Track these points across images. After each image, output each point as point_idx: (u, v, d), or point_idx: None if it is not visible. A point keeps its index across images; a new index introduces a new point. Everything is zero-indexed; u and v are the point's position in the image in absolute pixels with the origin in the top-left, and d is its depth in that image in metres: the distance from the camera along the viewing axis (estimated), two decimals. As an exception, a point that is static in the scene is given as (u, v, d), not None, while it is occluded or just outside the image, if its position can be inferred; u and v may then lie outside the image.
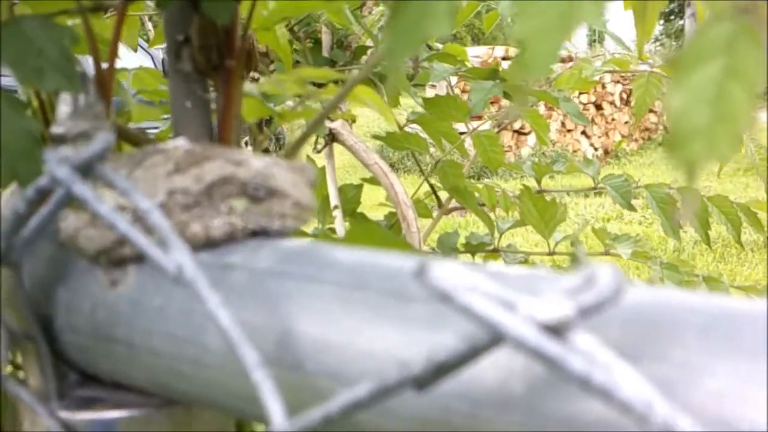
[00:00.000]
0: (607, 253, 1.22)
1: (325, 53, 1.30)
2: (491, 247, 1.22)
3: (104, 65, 0.46)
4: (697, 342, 0.22)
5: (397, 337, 0.27)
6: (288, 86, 0.55)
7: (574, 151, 7.46)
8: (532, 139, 7.06)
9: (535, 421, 0.23)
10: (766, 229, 1.20)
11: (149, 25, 1.81)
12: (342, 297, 0.30)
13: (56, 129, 0.39)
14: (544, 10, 0.22)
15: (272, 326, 0.31)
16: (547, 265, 1.23)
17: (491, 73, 1.11)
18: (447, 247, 1.20)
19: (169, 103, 0.48)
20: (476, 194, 1.18)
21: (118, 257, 0.37)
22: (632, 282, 0.25)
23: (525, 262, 1.21)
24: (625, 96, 7.99)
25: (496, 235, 1.23)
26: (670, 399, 0.19)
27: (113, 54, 0.45)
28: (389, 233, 0.47)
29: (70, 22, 0.47)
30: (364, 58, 1.30)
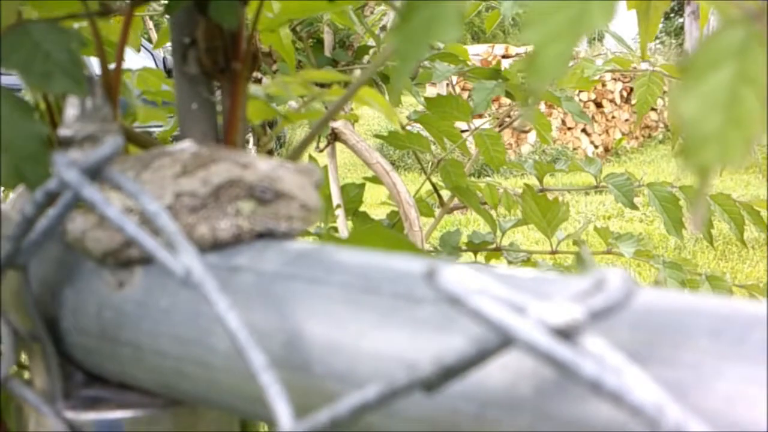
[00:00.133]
0: (608, 252, 1.22)
1: (327, 53, 1.30)
2: (493, 246, 1.22)
3: (111, 67, 0.46)
4: (707, 345, 0.22)
5: (405, 340, 0.27)
6: (293, 88, 0.55)
7: (575, 149, 7.46)
8: (532, 136, 7.05)
9: (542, 423, 0.23)
10: (767, 226, 1.20)
11: (150, 24, 1.81)
12: (349, 299, 0.30)
13: (64, 132, 0.39)
14: (555, 15, 0.22)
15: (279, 328, 0.31)
16: (549, 264, 1.23)
17: (493, 72, 1.11)
18: (449, 245, 1.20)
19: (174, 105, 0.48)
20: (478, 193, 1.19)
21: (125, 259, 0.37)
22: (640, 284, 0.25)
23: (527, 261, 1.21)
24: (625, 94, 7.98)
25: (498, 233, 1.23)
26: (681, 402, 0.19)
27: (120, 57, 0.45)
28: (393, 233, 0.47)
29: (76, 25, 0.47)
30: (366, 57, 1.30)
